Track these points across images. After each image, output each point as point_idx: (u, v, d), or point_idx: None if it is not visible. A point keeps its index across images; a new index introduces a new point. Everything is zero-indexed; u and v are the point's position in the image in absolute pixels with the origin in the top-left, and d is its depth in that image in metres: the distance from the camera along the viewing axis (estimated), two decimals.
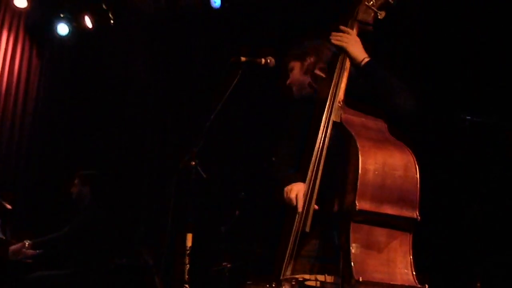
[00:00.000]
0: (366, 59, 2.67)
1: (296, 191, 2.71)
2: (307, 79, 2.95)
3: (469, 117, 3.39)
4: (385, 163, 2.45)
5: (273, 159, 3.08)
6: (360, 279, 2.29)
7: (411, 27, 5.20)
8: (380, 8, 2.68)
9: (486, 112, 3.87)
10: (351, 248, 2.37)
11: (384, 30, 2.88)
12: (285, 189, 2.77)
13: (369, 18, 2.70)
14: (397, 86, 2.66)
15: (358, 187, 2.38)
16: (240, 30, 6.47)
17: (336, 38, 2.72)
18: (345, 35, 2.70)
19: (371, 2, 2.66)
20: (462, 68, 4.83)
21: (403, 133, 2.68)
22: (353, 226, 2.40)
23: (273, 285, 3.21)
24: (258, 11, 6.36)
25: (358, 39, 2.70)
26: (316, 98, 2.88)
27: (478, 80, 4.71)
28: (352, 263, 2.35)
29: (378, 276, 2.39)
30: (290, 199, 2.72)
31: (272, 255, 2.94)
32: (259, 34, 6.14)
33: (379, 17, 2.68)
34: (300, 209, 2.65)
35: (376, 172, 2.42)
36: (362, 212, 2.38)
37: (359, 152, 2.42)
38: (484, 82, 4.68)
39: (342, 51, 2.71)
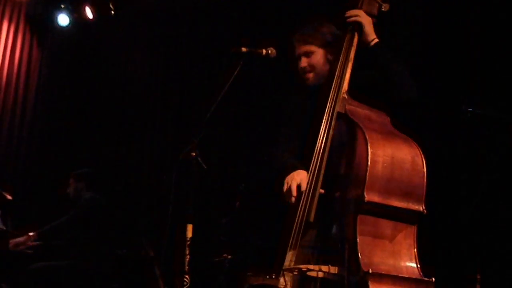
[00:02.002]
0: (376, 40, 2.73)
1: (299, 180, 2.69)
2: (328, 70, 2.91)
3: (471, 109, 3.37)
4: (394, 156, 2.46)
5: (271, 149, 3.06)
6: (370, 271, 2.30)
7: (413, 18, 5.18)
8: (384, 0, 2.72)
9: (489, 104, 3.85)
10: (357, 239, 2.37)
11: (386, 21, 2.87)
12: (286, 179, 2.74)
13: (374, 9, 2.74)
14: (402, 70, 2.72)
15: (367, 179, 2.39)
16: (241, 20, 6.45)
17: (353, 16, 2.74)
18: (361, 13, 2.73)
19: None
20: (465, 60, 4.82)
21: (404, 126, 2.68)
22: (360, 217, 2.40)
23: (273, 276, 3.21)
24: (259, 2, 6.34)
25: (370, 20, 2.74)
26: (320, 87, 2.88)
27: (481, 72, 4.69)
28: (360, 255, 2.36)
29: (384, 268, 2.40)
30: (290, 188, 2.70)
31: (272, 247, 2.94)
32: (260, 24, 6.12)
33: (383, 9, 2.72)
34: (292, 202, 2.65)
35: (385, 165, 2.43)
36: (371, 204, 2.39)
37: (368, 144, 2.42)
38: (486, 74, 4.66)
39: (355, 29, 2.73)
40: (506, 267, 4.19)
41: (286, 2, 6.09)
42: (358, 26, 2.73)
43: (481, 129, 3.95)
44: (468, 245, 3.98)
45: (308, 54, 2.94)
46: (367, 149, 2.41)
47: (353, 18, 2.73)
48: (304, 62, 2.94)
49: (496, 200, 4.16)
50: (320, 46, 2.93)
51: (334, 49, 2.89)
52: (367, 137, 2.44)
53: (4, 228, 5.30)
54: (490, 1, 4.73)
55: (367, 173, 2.39)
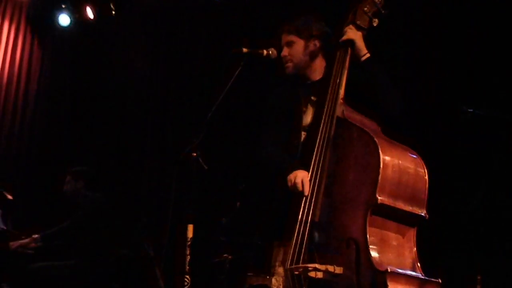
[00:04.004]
0: (367, 55, 2.84)
1: (301, 177, 2.70)
2: (308, 62, 2.99)
3: (471, 110, 3.38)
4: (400, 161, 2.58)
5: (262, 145, 3.05)
6: (389, 270, 2.36)
7: (412, 19, 5.18)
8: (374, 15, 2.82)
9: (489, 104, 3.85)
10: (368, 240, 2.44)
11: (385, 23, 2.91)
12: (289, 177, 2.75)
13: (365, 23, 2.84)
14: (390, 86, 2.84)
15: (379, 181, 2.47)
16: (242, 21, 6.46)
17: (345, 36, 2.85)
18: (353, 28, 2.84)
19: (366, 8, 2.81)
20: (465, 60, 4.82)
21: (393, 134, 2.76)
22: (370, 218, 2.47)
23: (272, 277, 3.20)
24: (260, 3, 6.34)
25: (361, 34, 2.85)
26: (315, 89, 2.93)
27: (481, 72, 4.70)
28: (372, 255, 2.42)
29: (394, 267, 2.45)
30: (295, 185, 2.71)
31: (273, 247, 2.95)
32: (261, 25, 6.11)
33: (373, 24, 2.83)
34: (306, 193, 2.66)
35: (394, 169, 2.54)
36: (382, 205, 2.47)
37: (379, 149, 2.50)
38: (487, 74, 4.67)
39: (348, 45, 2.83)
40: (507, 268, 4.20)
41: (287, 3, 6.09)
42: (350, 43, 2.83)
43: (482, 129, 3.95)
44: (468, 245, 3.99)
45: (289, 44, 3.00)
46: (378, 153, 2.50)
47: (344, 37, 2.84)
48: (285, 51, 3.01)
49: (497, 200, 4.17)
50: (301, 37, 2.99)
51: (319, 42, 2.97)
52: (377, 142, 2.52)
53: (5, 228, 5.30)
54: (489, 2, 4.74)
55: (379, 176, 2.47)
